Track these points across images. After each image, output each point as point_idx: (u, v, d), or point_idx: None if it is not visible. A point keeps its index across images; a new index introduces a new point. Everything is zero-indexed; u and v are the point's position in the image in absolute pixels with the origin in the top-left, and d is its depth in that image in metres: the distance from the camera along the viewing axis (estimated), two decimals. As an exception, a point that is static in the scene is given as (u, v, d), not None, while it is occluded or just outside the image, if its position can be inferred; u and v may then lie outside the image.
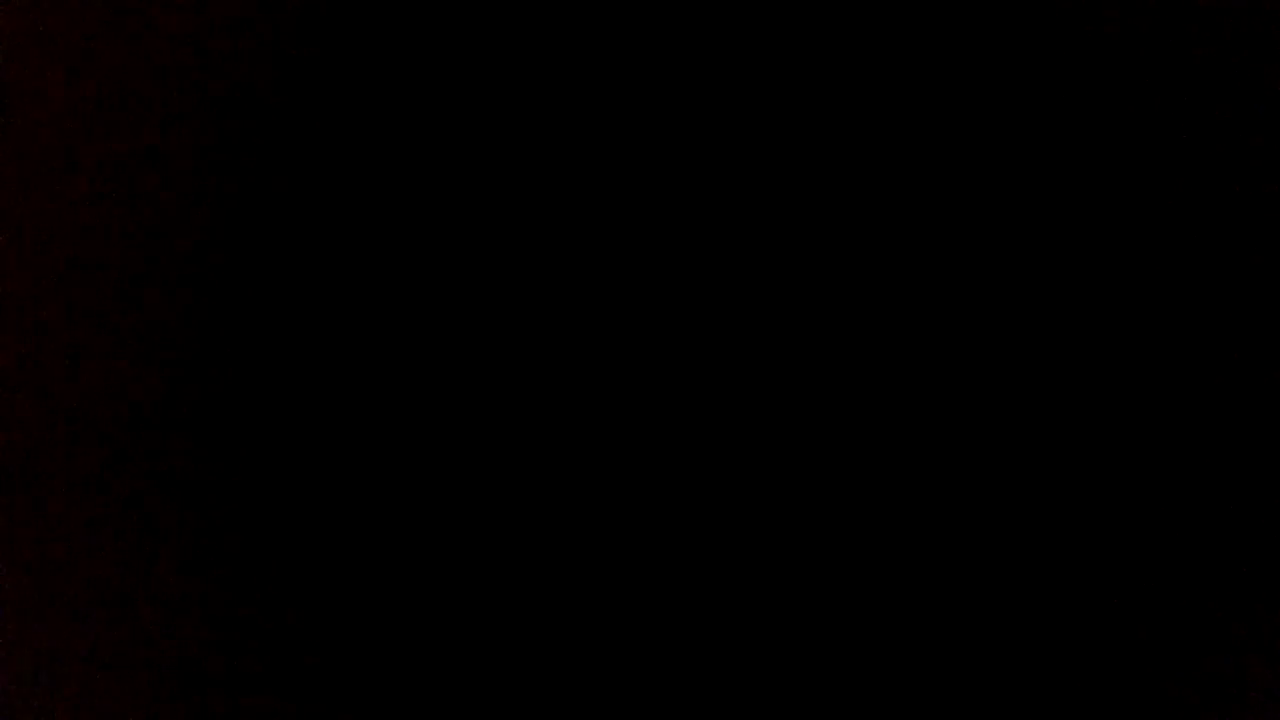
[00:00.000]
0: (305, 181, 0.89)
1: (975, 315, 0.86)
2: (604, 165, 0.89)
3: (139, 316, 0.87)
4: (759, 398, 0.86)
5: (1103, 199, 0.87)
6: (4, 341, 0.87)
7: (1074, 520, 0.84)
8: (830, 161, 0.88)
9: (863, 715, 0.82)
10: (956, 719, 0.82)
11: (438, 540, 0.85)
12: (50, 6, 0.90)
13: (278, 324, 0.87)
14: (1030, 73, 0.88)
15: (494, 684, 0.84)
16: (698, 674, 0.83)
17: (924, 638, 0.83)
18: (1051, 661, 0.82)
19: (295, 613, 0.84)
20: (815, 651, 0.83)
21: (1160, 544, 0.83)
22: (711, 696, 0.83)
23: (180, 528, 0.85)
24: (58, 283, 0.88)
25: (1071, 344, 0.86)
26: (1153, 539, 0.83)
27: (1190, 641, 0.82)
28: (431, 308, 0.87)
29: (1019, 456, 0.85)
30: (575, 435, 0.86)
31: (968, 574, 0.83)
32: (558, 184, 0.89)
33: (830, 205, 0.88)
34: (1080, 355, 0.85)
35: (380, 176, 0.89)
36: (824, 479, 0.85)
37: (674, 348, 0.87)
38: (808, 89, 0.89)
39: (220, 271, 0.88)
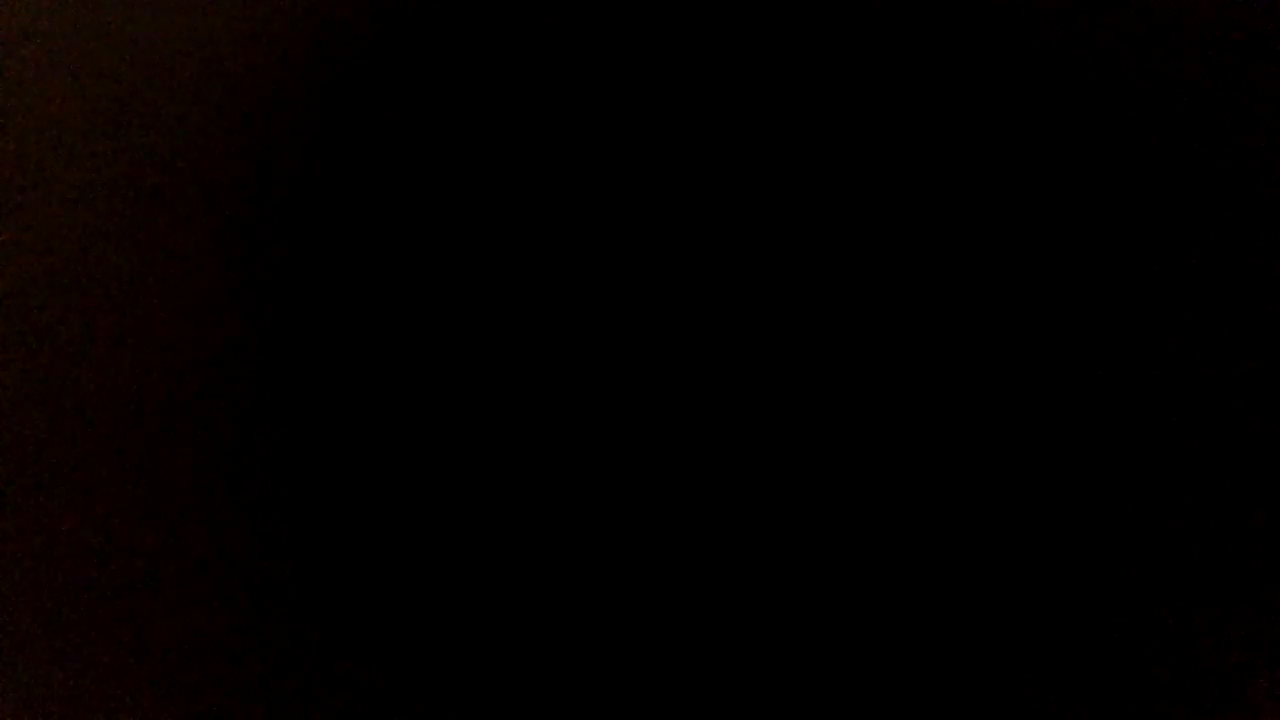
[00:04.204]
0: (309, 180, 0.89)
1: (975, 315, 0.86)
2: (604, 166, 0.89)
3: (140, 316, 0.87)
4: (759, 398, 0.86)
5: (1103, 199, 0.87)
6: (4, 341, 0.87)
7: (1074, 520, 0.84)
8: (830, 162, 0.88)
9: (863, 715, 0.82)
10: (957, 718, 0.82)
11: (445, 541, 0.85)
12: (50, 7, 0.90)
13: (281, 325, 0.87)
14: (1029, 73, 0.88)
15: (496, 684, 0.84)
16: (698, 674, 0.83)
17: (924, 638, 0.83)
18: (1051, 661, 0.82)
19: (299, 614, 0.84)
20: (816, 651, 0.83)
21: (1161, 544, 0.83)
22: (711, 697, 0.83)
23: (182, 528, 0.85)
24: (60, 282, 0.88)
25: (1071, 344, 0.86)
26: (1153, 539, 0.83)
27: (1190, 641, 0.82)
28: (434, 309, 0.87)
29: (1019, 456, 0.85)
30: (575, 435, 0.86)
31: (968, 574, 0.83)
32: (558, 185, 0.89)
33: (830, 205, 0.88)
34: (1080, 355, 0.85)
35: (385, 177, 0.89)
36: (823, 479, 0.85)
37: (674, 347, 0.87)
38: (807, 89, 0.89)
39: (221, 271, 0.88)
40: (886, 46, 0.89)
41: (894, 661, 0.83)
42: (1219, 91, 0.88)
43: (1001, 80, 0.88)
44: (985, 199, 0.87)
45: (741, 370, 0.86)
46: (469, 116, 0.90)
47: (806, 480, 0.85)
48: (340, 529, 0.85)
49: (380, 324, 0.87)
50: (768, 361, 0.87)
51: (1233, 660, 0.82)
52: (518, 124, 0.90)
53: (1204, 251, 0.86)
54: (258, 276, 0.88)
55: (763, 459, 0.85)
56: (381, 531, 0.85)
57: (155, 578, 0.85)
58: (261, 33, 0.91)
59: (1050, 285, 0.86)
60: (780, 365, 0.86)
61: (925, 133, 0.88)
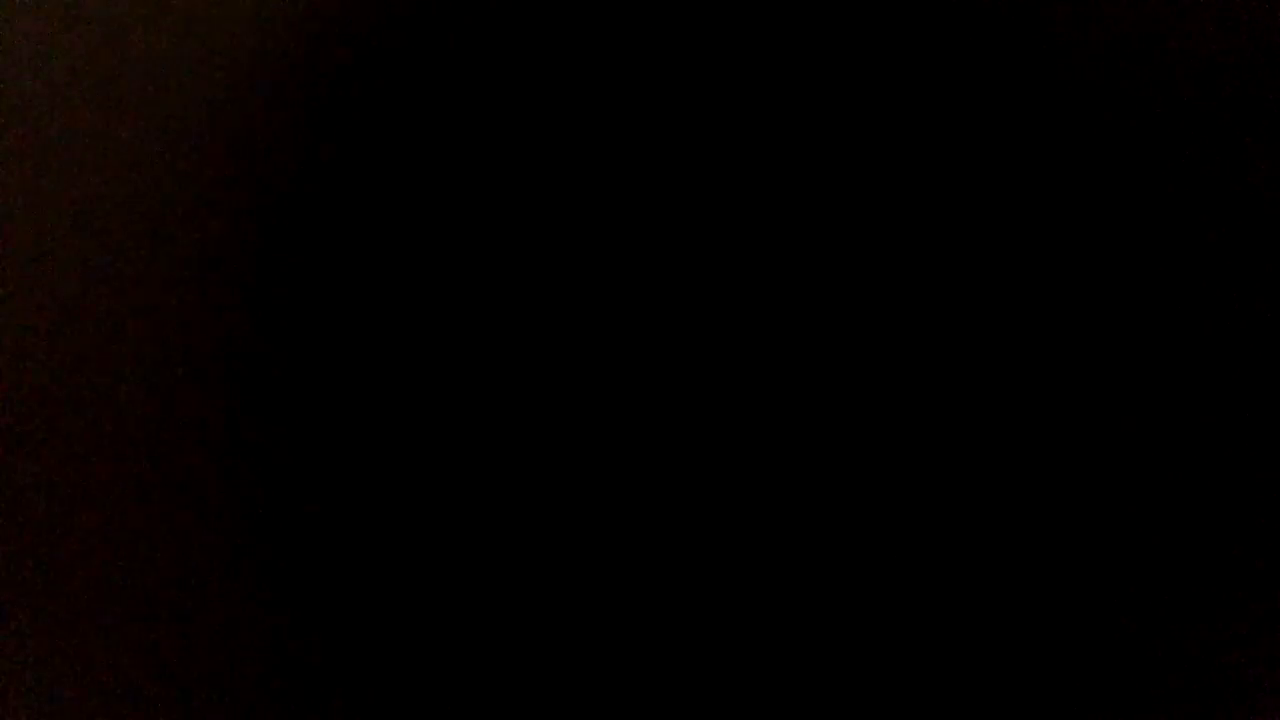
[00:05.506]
0: (308, 179, 0.89)
1: (975, 315, 0.86)
2: (604, 165, 0.89)
3: (138, 316, 0.87)
4: (758, 398, 0.86)
5: (1102, 199, 0.87)
6: (6, 341, 0.87)
7: (1075, 520, 0.84)
8: (829, 161, 0.88)
9: (862, 715, 0.83)
10: (956, 718, 0.82)
11: (444, 541, 0.85)
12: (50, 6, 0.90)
13: (279, 324, 0.87)
14: (1029, 73, 0.88)
15: (497, 684, 0.84)
16: (698, 674, 0.83)
17: (924, 637, 0.83)
18: (1052, 661, 0.83)
19: (300, 616, 0.84)
20: (815, 652, 0.83)
21: (1161, 544, 0.84)
22: (711, 697, 0.83)
23: (183, 530, 0.85)
24: (62, 282, 0.88)
25: (1071, 344, 0.86)
26: (1154, 539, 0.84)
27: (1190, 641, 0.82)
28: (434, 308, 0.87)
29: (1019, 456, 0.85)
30: (574, 435, 0.86)
31: (967, 574, 0.83)
32: (557, 184, 0.89)
33: (829, 205, 0.88)
34: (1080, 355, 0.86)
35: (384, 176, 0.89)
36: (823, 479, 0.85)
37: (673, 347, 0.87)
38: (807, 89, 0.89)
39: (221, 272, 0.88)
40: (886, 46, 0.89)
41: (894, 661, 0.83)
42: (1219, 92, 0.88)
43: (1001, 80, 0.88)
44: (985, 199, 0.87)
45: (741, 370, 0.87)
46: (468, 116, 0.90)
47: (806, 480, 0.85)
48: (340, 529, 0.85)
49: (380, 324, 0.87)
50: (767, 361, 0.87)
51: (1233, 660, 0.82)
52: (517, 123, 0.90)
53: (1204, 252, 0.86)
54: (255, 276, 0.88)
55: (762, 459, 0.85)
56: (381, 532, 0.85)
57: (154, 578, 0.85)
58: (260, 31, 0.91)
59: (1050, 285, 0.86)
60: (780, 365, 0.87)
61: (925, 132, 0.88)
